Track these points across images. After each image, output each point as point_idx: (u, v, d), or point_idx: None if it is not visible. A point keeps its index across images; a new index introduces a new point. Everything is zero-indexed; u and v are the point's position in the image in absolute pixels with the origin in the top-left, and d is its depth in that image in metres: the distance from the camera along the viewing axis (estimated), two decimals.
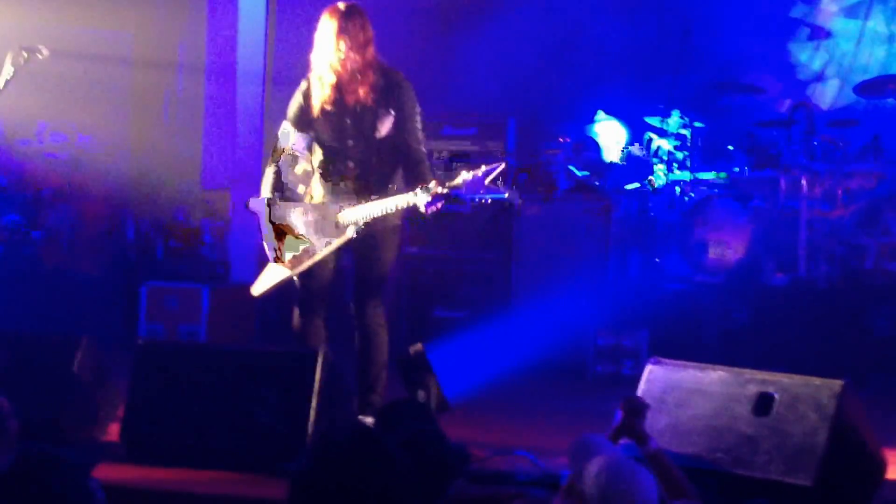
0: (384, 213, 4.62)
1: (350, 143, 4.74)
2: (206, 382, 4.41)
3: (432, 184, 4.45)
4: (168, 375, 4.47)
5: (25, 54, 5.11)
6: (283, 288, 5.01)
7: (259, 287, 4.95)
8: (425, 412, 4.13)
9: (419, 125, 4.78)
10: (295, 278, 4.89)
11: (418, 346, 4.80)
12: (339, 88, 4.72)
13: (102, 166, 7.70)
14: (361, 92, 4.69)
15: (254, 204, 4.91)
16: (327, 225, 4.73)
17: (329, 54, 4.66)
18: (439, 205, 4.44)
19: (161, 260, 7.48)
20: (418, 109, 4.78)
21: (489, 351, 6.47)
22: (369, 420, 4.18)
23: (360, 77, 4.67)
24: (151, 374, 4.49)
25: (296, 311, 4.92)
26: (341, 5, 4.71)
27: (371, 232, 4.77)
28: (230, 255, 7.59)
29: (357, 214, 4.66)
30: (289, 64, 7.34)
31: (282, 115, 7.46)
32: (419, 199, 4.44)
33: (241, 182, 7.41)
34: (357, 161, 4.75)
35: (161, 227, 7.55)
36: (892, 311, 6.55)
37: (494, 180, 4.40)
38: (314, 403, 4.29)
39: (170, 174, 7.71)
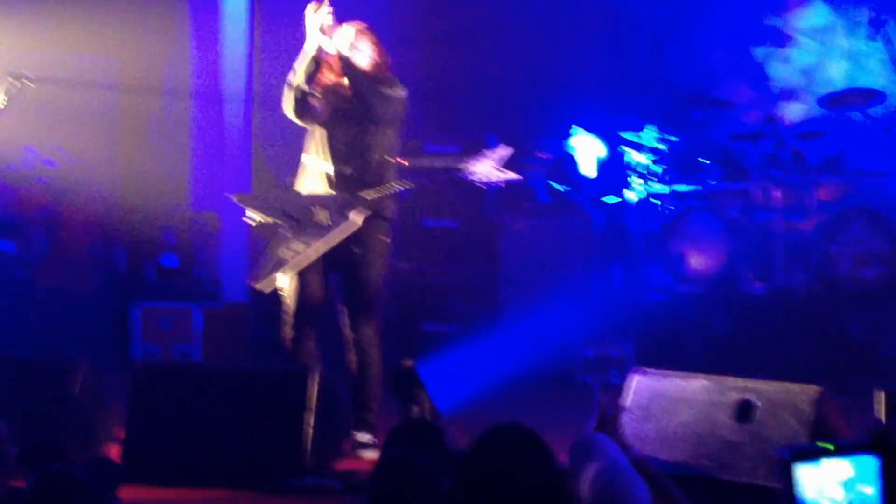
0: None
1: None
2: (204, 402, 4.50)
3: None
4: (166, 396, 4.56)
5: (16, 82, 5.19)
6: (277, 306, 5.10)
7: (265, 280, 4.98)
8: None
9: None
10: (284, 295, 4.98)
11: (409, 361, 4.91)
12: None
13: (91, 189, 7.78)
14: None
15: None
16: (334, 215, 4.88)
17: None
18: None
19: (152, 281, 7.55)
20: None
21: (479, 363, 6.58)
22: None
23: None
24: (149, 394, 4.58)
25: (287, 330, 5.00)
26: None
27: (360, 250, 4.90)
28: (220, 274, 7.67)
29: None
30: (273, 85, 7.44)
31: (268, 136, 7.59)
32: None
33: (229, 202, 7.50)
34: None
35: (151, 249, 7.63)
36: (869, 316, 6.73)
37: (503, 164, 4.58)
38: (309, 420, 4.40)
39: (158, 196, 7.79)
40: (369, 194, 4.87)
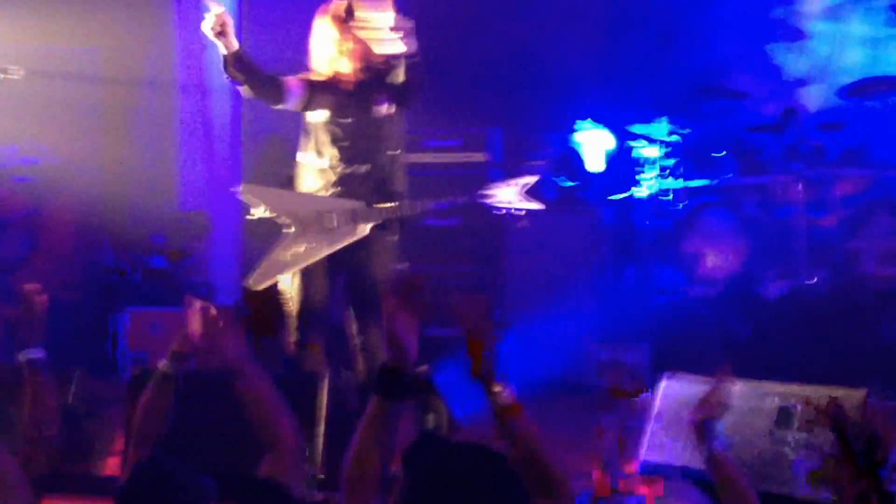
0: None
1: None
2: (206, 412, 4.23)
3: None
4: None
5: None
6: (272, 309, 4.85)
7: (261, 280, 4.74)
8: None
9: None
10: (290, 300, 4.75)
11: (424, 367, 4.66)
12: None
13: (74, 188, 7.47)
14: None
15: None
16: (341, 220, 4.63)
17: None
18: None
19: (140, 284, 7.27)
20: None
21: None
22: None
23: None
24: None
25: (292, 335, 4.77)
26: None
27: (366, 251, 4.69)
28: (212, 275, 7.41)
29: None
30: None
31: (257, 129, 7.29)
32: None
33: (219, 200, 7.24)
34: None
35: (138, 250, 7.34)
36: None
37: (528, 192, 4.44)
38: (320, 431, 4.18)
39: (144, 195, 7.49)
40: (384, 211, 4.66)
